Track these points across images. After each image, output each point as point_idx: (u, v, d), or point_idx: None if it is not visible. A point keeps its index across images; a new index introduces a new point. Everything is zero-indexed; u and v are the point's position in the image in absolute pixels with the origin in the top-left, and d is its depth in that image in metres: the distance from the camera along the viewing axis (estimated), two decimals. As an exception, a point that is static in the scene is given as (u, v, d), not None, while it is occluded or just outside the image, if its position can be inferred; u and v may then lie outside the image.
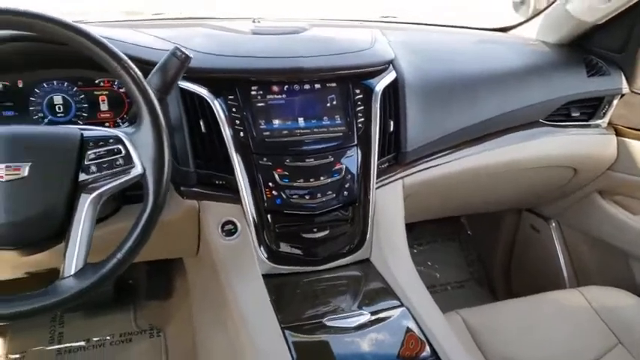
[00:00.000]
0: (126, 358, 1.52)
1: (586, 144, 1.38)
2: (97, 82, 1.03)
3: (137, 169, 0.76)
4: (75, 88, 1.02)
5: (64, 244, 0.74)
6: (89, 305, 1.59)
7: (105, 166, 0.75)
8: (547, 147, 1.34)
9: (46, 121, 1.02)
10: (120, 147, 0.76)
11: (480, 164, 1.26)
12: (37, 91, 1.00)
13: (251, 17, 1.33)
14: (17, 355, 1.51)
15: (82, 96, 1.03)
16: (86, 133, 0.77)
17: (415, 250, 1.99)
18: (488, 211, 1.71)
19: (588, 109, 1.38)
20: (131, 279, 1.69)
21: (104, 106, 1.05)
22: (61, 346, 1.54)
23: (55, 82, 1.01)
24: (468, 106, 1.21)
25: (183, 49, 0.84)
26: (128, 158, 0.76)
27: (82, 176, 0.75)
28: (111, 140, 0.77)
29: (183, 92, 0.98)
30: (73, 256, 0.73)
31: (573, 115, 1.37)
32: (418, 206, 1.30)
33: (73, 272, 0.72)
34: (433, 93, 1.17)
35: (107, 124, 1.03)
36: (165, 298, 1.65)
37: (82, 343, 1.55)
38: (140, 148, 0.76)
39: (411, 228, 1.97)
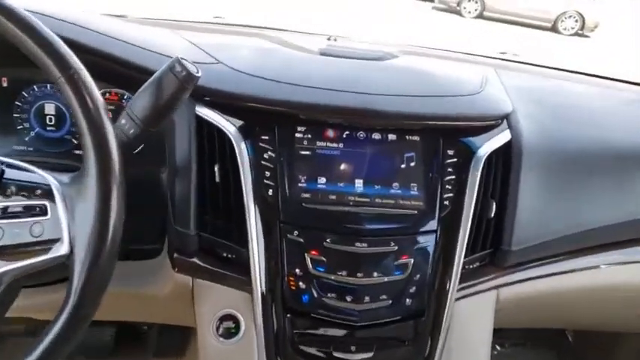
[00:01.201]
0: None
1: None
2: (100, 92, 0.78)
3: (61, 248, 0.48)
4: None
5: None
6: (90, 354, 1.35)
7: (16, 232, 0.49)
8: None
9: (32, 134, 0.81)
10: (46, 204, 0.49)
11: (616, 281, 0.86)
12: (25, 94, 0.79)
13: (331, 35, 1.04)
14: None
15: None
16: (8, 172, 0.52)
17: (495, 352, 1.56)
18: (607, 330, 1.27)
19: None
20: (141, 328, 1.43)
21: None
22: None
23: (48, 87, 0.79)
24: (614, 194, 0.83)
25: (185, 63, 0.56)
26: (53, 226, 0.48)
27: None
28: (38, 191, 0.51)
29: (200, 122, 0.71)
30: None
31: None
32: (509, 319, 0.92)
33: None
34: (564, 168, 0.81)
35: None
36: (180, 353, 1.37)
37: None
38: (74, 213, 0.48)
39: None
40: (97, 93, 0.50)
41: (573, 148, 0.83)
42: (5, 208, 0.49)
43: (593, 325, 1.24)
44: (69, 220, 0.49)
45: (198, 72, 0.58)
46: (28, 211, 0.49)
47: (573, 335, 1.56)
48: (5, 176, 0.51)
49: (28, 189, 0.50)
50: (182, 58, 0.57)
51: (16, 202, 0.49)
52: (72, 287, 0.47)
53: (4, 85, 0.78)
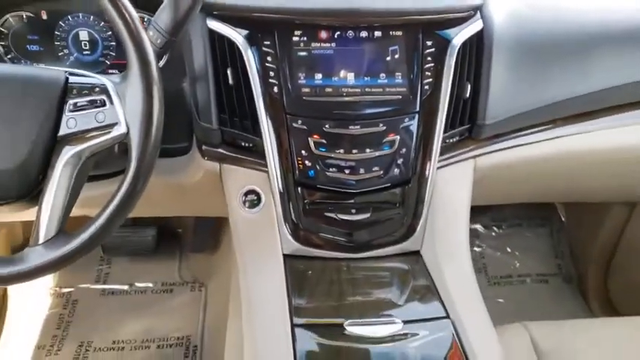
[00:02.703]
0: (164, 308, 1.48)
1: None
2: None
3: (120, 127, 0.63)
4: (102, 24, 0.92)
5: (38, 209, 0.64)
6: (135, 251, 1.56)
7: (85, 120, 0.63)
8: None
9: (71, 58, 0.94)
10: (104, 98, 0.64)
11: (581, 148, 0.99)
12: (62, 24, 0.91)
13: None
14: (66, 290, 1.53)
15: (110, 33, 0.92)
16: (72, 79, 0.66)
17: (493, 233, 1.73)
18: (588, 201, 1.41)
19: None
20: (180, 228, 1.63)
21: None
22: (106, 286, 1.54)
23: (80, 16, 0.91)
24: (577, 72, 0.93)
25: None
26: (112, 113, 0.63)
27: (62, 129, 0.64)
28: (96, 89, 0.64)
29: (212, 34, 0.82)
30: (44, 222, 0.63)
31: None
32: (491, 190, 1.07)
33: (41, 241, 0.63)
34: (531, 50, 0.91)
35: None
36: (212, 253, 1.59)
37: (125, 287, 1.54)
38: (126, 103, 0.63)
39: (489, 207, 1.73)
40: (133, 10, 0.62)
41: (542, 33, 0.92)
42: (75, 104, 0.63)
43: (575, 198, 1.39)
44: (123, 107, 0.63)
45: None
46: (92, 104, 0.63)
47: (565, 214, 1.72)
48: (70, 81, 0.65)
49: (88, 89, 0.64)
50: None
51: (82, 99, 0.64)
52: (132, 156, 0.62)
53: (44, 17, 0.90)
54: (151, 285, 1.54)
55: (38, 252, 0.62)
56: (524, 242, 1.72)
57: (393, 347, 0.73)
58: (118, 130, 0.63)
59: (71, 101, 0.64)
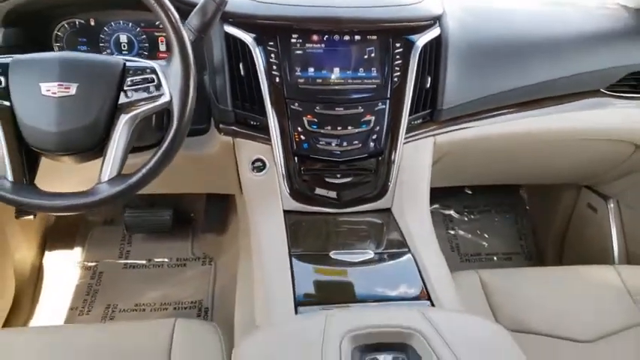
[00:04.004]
0: (179, 279, 1.70)
1: None
2: (157, 24, 1.14)
3: (165, 97, 0.85)
4: (138, 29, 1.14)
5: (103, 156, 0.85)
6: (153, 230, 1.79)
7: (140, 91, 0.85)
8: (604, 119, 1.26)
9: None
10: (154, 76, 0.85)
11: (522, 130, 1.22)
12: (106, 29, 1.14)
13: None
14: (92, 264, 1.75)
15: (144, 36, 1.15)
16: (128, 63, 0.87)
17: (466, 218, 1.97)
18: (540, 183, 1.64)
19: None
20: (192, 212, 1.86)
21: (162, 47, 1.16)
22: (127, 261, 1.76)
23: (121, 22, 1.14)
24: (515, 70, 1.17)
25: None
26: (159, 87, 0.85)
27: (122, 99, 0.85)
28: (147, 70, 0.86)
29: (227, 37, 1.05)
30: (109, 166, 0.84)
31: None
32: (456, 169, 1.29)
33: (106, 179, 0.83)
34: (478, 54, 1.15)
35: None
36: (220, 232, 1.81)
37: (144, 262, 1.76)
38: (169, 79, 0.85)
39: (462, 196, 1.97)
40: (175, 14, 0.84)
41: (487, 40, 1.17)
42: (132, 80, 0.85)
43: (527, 179, 1.61)
44: (167, 83, 0.84)
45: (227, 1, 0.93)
46: (144, 81, 0.85)
47: (527, 199, 1.95)
48: (127, 65, 0.86)
49: (141, 69, 0.85)
50: None
51: (137, 77, 0.85)
52: (174, 117, 0.83)
53: (92, 24, 1.13)
54: (166, 260, 1.76)
55: (104, 187, 0.83)
56: (493, 226, 1.95)
57: (367, 268, 0.96)
58: (164, 99, 0.84)
59: (129, 79, 0.85)
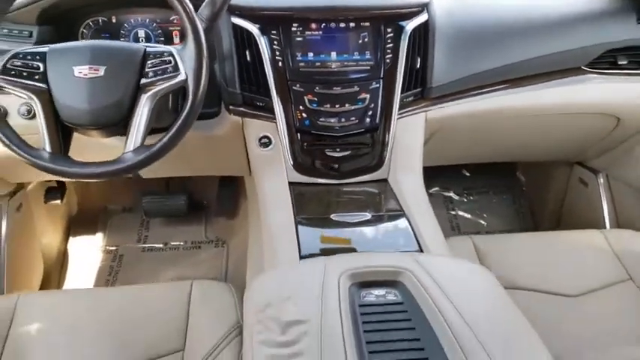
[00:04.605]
0: (194, 261, 1.82)
1: (631, 92, 1.36)
2: (171, 19, 1.26)
3: (182, 76, 0.95)
4: (154, 24, 1.26)
5: (127, 130, 0.96)
6: (169, 215, 1.91)
7: (159, 72, 0.96)
8: (586, 94, 1.34)
9: None
10: (171, 59, 0.96)
11: (507, 105, 1.31)
12: (126, 25, 1.26)
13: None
14: (112, 248, 1.88)
15: (160, 31, 1.27)
16: (148, 49, 0.98)
17: (465, 199, 2.05)
18: (530, 160, 1.72)
19: (638, 57, 1.36)
20: (205, 199, 1.98)
21: (176, 40, 1.28)
22: (145, 245, 1.88)
23: (139, 19, 1.26)
24: (497, 50, 1.26)
25: None
26: (176, 67, 0.96)
27: (143, 80, 0.96)
28: (165, 54, 0.97)
29: (235, 27, 1.16)
30: (133, 137, 0.95)
31: (620, 63, 1.35)
32: (449, 146, 1.38)
33: (131, 149, 0.95)
34: (463, 36, 1.24)
35: None
36: (231, 217, 1.92)
37: (161, 245, 1.88)
38: (185, 61, 0.96)
39: (461, 178, 2.06)
40: (189, 4, 0.95)
41: (471, 25, 1.26)
42: (152, 63, 0.96)
43: (518, 156, 1.69)
44: (183, 64, 0.95)
45: None
46: (163, 63, 0.96)
47: (524, 180, 2.04)
48: (147, 50, 0.97)
49: (160, 53, 0.96)
50: None
51: (156, 59, 0.96)
52: (189, 94, 0.94)
53: (114, 21, 1.25)
54: (182, 243, 1.88)
55: (130, 156, 0.94)
56: (491, 206, 2.03)
57: (365, 228, 1.07)
58: (180, 77, 0.95)
59: (149, 62, 0.96)
